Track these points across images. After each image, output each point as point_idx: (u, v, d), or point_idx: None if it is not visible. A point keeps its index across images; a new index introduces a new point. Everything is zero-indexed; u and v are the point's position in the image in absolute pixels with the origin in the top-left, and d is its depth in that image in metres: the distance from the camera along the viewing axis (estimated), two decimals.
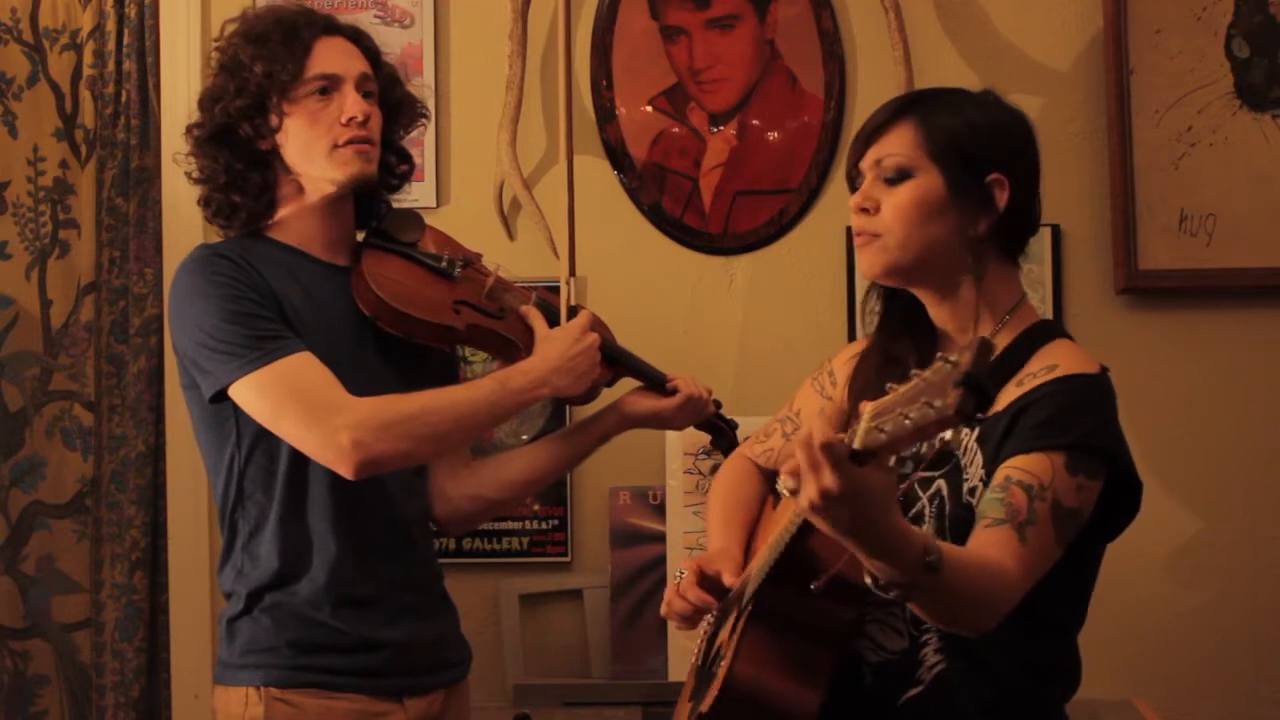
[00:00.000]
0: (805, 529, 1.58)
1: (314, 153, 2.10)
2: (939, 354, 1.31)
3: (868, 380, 1.84)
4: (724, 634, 1.86)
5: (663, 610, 1.93)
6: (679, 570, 1.90)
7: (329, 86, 2.11)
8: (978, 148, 1.77)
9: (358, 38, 2.19)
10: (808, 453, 1.39)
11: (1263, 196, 2.83)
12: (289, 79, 2.09)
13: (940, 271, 1.78)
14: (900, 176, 1.76)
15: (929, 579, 1.48)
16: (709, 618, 1.95)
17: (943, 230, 1.75)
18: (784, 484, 1.45)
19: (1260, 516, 2.84)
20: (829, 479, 1.38)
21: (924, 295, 1.81)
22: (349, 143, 2.10)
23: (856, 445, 1.36)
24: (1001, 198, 1.76)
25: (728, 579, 1.87)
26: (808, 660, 1.70)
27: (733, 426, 2.40)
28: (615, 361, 2.29)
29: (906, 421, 1.29)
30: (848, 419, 1.87)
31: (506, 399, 2.11)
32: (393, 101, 2.22)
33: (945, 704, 1.71)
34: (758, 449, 2.10)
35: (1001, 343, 1.77)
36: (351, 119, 2.10)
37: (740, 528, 2.00)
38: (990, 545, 1.59)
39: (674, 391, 2.30)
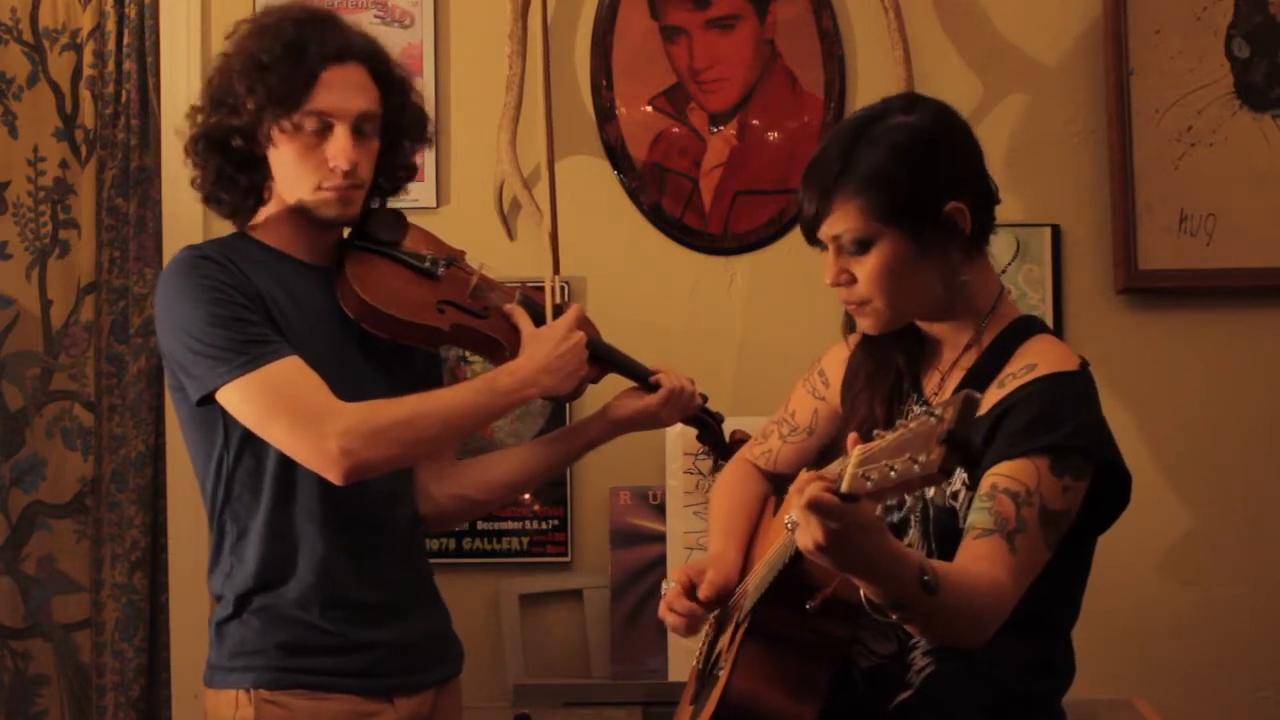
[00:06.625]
0: (799, 554, 1.58)
1: (297, 187, 2.08)
2: (926, 406, 1.32)
3: (861, 388, 1.85)
4: (724, 641, 1.86)
5: (660, 614, 1.94)
6: (666, 582, 1.91)
7: (323, 128, 2.06)
8: (923, 190, 1.72)
9: (370, 59, 2.11)
10: (800, 500, 1.41)
11: (1263, 196, 2.82)
12: (286, 111, 2.04)
13: (933, 306, 1.78)
14: (862, 248, 1.74)
15: (926, 600, 1.48)
16: (710, 619, 1.96)
17: (924, 278, 1.74)
18: (789, 519, 1.47)
19: (1260, 516, 2.84)
20: (823, 529, 1.40)
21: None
22: (332, 188, 2.07)
23: (844, 489, 1.38)
24: (965, 221, 1.73)
25: (703, 592, 1.88)
26: (804, 676, 1.70)
27: (718, 420, 2.37)
28: (601, 359, 2.27)
29: (892, 474, 1.31)
30: (845, 423, 1.89)
31: (494, 400, 2.10)
32: (401, 124, 2.17)
33: (935, 707, 1.71)
34: (757, 451, 2.11)
35: (984, 343, 1.77)
36: (337, 169, 2.06)
37: (741, 532, 2.00)
38: (980, 557, 1.58)
39: (657, 387, 2.28)
